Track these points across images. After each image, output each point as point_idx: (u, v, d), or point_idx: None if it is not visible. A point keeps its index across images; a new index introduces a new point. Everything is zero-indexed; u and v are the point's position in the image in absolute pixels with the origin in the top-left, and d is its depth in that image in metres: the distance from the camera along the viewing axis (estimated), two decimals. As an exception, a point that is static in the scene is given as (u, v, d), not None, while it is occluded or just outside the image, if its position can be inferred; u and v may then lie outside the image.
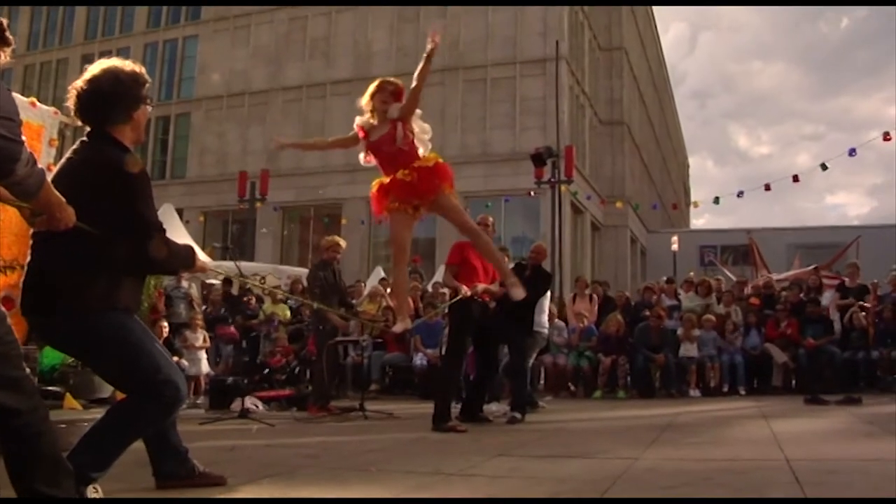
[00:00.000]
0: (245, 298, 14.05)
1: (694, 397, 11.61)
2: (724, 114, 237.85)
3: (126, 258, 3.22)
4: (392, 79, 6.27)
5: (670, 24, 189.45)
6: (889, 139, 17.02)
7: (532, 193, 24.53)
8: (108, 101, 3.29)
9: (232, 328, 13.19)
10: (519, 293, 6.54)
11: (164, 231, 3.32)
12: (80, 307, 3.12)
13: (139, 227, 3.21)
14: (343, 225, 29.56)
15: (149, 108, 3.50)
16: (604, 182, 36.65)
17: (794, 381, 12.12)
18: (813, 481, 3.92)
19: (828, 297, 12.96)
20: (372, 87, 6.10)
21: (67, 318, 3.13)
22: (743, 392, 11.82)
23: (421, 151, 6.06)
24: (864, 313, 12.07)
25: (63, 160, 3.33)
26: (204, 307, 13.87)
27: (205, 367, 11.86)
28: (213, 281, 14.99)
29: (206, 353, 12.13)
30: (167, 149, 39.04)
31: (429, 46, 5.67)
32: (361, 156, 6.20)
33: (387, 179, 6.03)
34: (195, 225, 30.27)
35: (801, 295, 12.95)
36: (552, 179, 20.55)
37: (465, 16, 33.66)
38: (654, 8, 52.54)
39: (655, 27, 56.22)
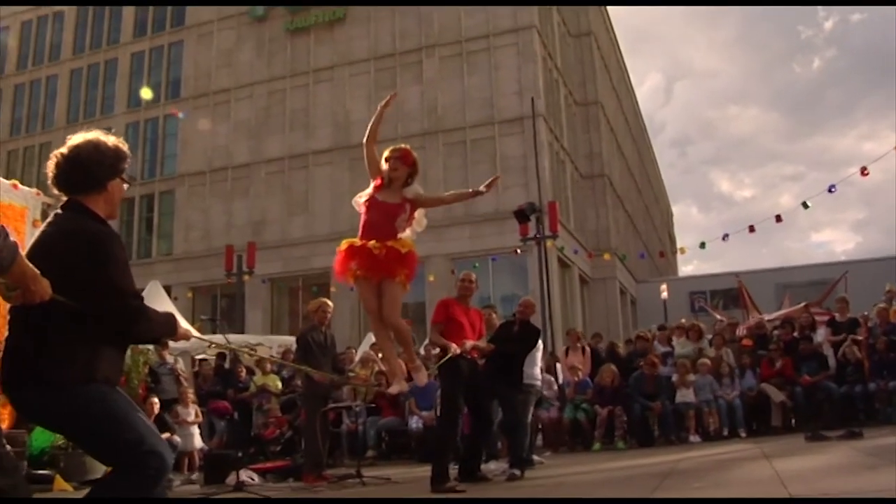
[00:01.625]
0: (237, 370, 13.89)
1: (694, 443, 11.48)
2: (705, 160, 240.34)
3: (104, 329, 3.17)
4: (399, 145, 6.33)
5: (645, 76, 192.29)
6: (867, 174, 17.16)
7: (518, 251, 24.54)
8: (85, 169, 3.30)
9: (225, 402, 13.04)
10: (422, 377, 6.62)
11: (141, 299, 3.28)
12: (59, 380, 3.05)
13: (116, 297, 3.16)
14: (332, 293, 29.44)
15: (125, 186, 3.49)
16: (589, 235, 36.81)
17: (793, 420, 12.04)
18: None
19: (820, 334, 12.94)
20: (386, 152, 6.16)
21: (46, 392, 3.06)
22: (743, 434, 11.69)
23: (405, 234, 6.06)
24: (857, 347, 12.04)
25: (38, 232, 3.32)
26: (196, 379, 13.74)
27: (198, 441, 11.69)
28: (206, 356, 14.89)
29: (199, 427, 11.98)
30: (152, 226, 39.06)
31: (487, 185, 6.25)
32: (360, 198, 6.16)
33: (358, 243, 5.99)
34: (184, 301, 30.09)
35: (794, 333, 12.93)
36: (537, 236, 20.54)
37: (442, 81, 34.11)
38: (627, 60, 53.42)
39: (629, 79, 57.12)
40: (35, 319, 3.02)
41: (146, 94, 38.24)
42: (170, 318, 3.50)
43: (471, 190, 6.32)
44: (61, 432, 3.65)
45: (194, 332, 4.07)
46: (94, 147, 3.36)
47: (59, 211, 3.33)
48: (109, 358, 3.25)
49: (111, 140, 3.42)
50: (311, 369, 8.09)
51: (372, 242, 5.84)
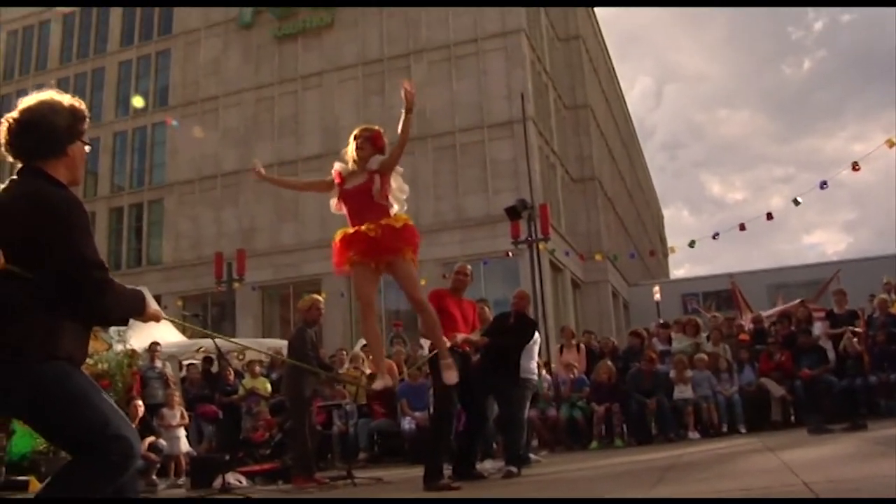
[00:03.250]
0: (225, 373, 13.58)
1: (693, 439, 11.26)
2: (696, 163, 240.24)
3: (66, 302, 2.89)
4: (371, 125, 6.17)
5: (635, 80, 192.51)
6: (858, 169, 17.05)
7: (510, 254, 24.33)
8: (41, 132, 3.00)
9: (212, 406, 12.76)
10: (451, 377, 6.42)
11: (106, 270, 2.99)
12: (17, 357, 2.78)
13: (80, 267, 2.89)
14: (323, 299, 29.16)
15: (87, 148, 3.21)
16: (580, 238, 36.60)
17: (793, 415, 11.82)
18: (838, 499, 3.63)
19: (818, 328, 12.72)
20: (356, 130, 6.09)
21: (2, 370, 2.78)
22: (743, 430, 11.46)
23: (395, 210, 5.85)
24: (856, 339, 11.84)
25: None
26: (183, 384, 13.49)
27: (184, 445, 11.36)
28: (193, 360, 14.62)
29: (186, 431, 11.68)
30: (141, 236, 38.81)
31: (403, 93, 5.73)
32: (333, 202, 5.98)
33: (351, 230, 5.79)
34: (173, 310, 29.77)
35: (792, 327, 12.70)
36: (529, 238, 20.34)
37: (430, 86, 33.83)
38: (616, 64, 53.37)
39: (618, 83, 57.07)
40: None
41: (138, 101, 37.88)
42: (138, 295, 3.22)
43: (403, 112, 5.96)
44: (17, 415, 3.35)
45: (165, 315, 3.79)
46: (50, 108, 3.05)
47: (14, 176, 3.04)
48: (71, 334, 2.97)
49: (66, 99, 3.13)
50: (309, 367, 7.90)
51: (366, 225, 5.63)
